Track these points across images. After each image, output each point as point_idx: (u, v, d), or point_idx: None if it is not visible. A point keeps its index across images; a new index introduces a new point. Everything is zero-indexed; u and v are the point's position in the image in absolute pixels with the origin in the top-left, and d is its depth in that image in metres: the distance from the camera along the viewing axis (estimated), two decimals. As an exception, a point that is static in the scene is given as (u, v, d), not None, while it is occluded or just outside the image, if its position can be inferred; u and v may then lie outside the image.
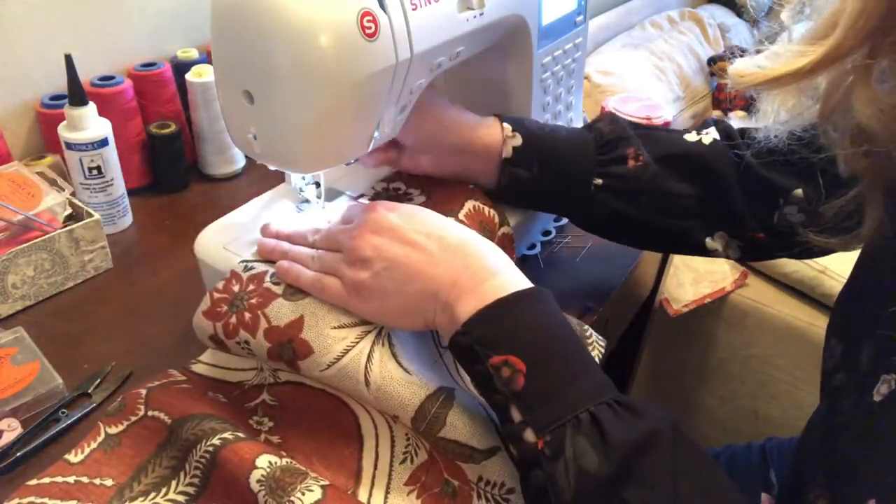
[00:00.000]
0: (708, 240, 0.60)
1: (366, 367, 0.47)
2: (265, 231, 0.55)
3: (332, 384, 0.50)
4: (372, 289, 0.47)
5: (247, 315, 0.50)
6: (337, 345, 0.48)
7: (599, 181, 0.59)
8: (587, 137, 0.60)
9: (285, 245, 0.53)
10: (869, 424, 0.39)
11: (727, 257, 0.62)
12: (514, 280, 0.45)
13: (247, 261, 0.53)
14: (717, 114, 1.51)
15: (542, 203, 0.64)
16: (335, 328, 0.48)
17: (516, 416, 0.40)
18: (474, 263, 0.45)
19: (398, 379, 0.47)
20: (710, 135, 0.60)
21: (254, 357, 0.54)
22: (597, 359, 0.57)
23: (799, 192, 0.56)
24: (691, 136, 0.60)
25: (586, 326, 0.59)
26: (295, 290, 0.50)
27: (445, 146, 0.59)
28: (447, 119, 0.59)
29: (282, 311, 0.49)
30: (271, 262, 0.53)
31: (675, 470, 0.38)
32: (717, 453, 0.72)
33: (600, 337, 0.58)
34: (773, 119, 0.46)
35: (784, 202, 0.57)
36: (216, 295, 0.52)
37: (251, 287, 0.51)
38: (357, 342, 0.48)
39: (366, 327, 0.49)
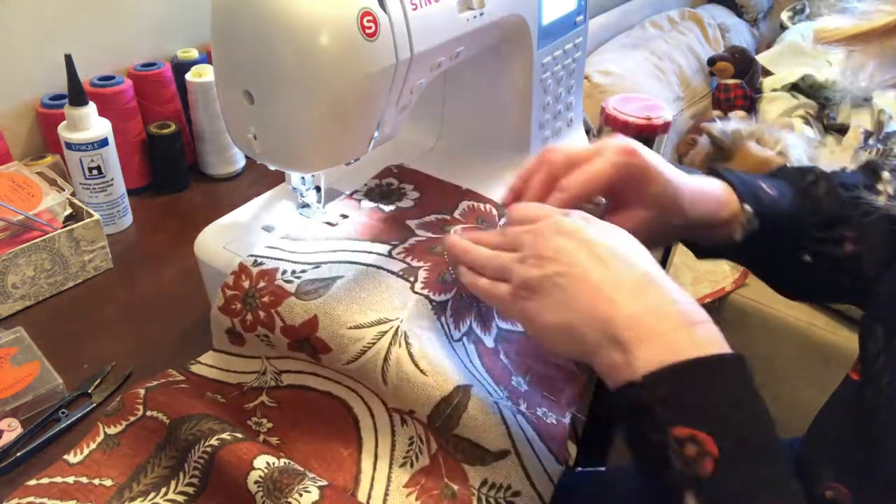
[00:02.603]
0: None
1: (383, 368, 0.48)
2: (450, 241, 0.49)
3: (354, 376, 0.50)
4: (536, 290, 0.40)
5: (261, 314, 0.50)
6: (353, 345, 0.48)
7: (808, 258, 0.54)
8: (807, 210, 0.54)
9: (468, 244, 0.47)
10: None
11: None
12: (711, 337, 0.37)
13: (256, 255, 0.53)
14: (717, 114, 1.51)
15: (742, 264, 0.60)
16: (351, 328, 0.48)
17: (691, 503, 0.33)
18: (665, 303, 0.38)
19: (414, 381, 0.47)
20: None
21: (259, 359, 0.54)
22: None
23: None
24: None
25: None
26: (308, 290, 0.50)
27: (674, 221, 0.50)
28: (681, 188, 0.50)
29: (294, 311, 0.49)
30: (280, 259, 0.53)
31: None
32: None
33: None
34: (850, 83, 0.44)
35: None
36: (228, 291, 0.52)
37: (262, 284, 0.51)
38: (374, 343, 0.48)
39: (382, 327, 0.49)
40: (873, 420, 0.43)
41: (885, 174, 0.54)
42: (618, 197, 0.50)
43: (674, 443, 0.34)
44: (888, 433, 0.41)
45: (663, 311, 0.38)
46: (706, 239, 0.55)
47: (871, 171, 0.55)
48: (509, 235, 0.45)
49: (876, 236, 0.52)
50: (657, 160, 0.49)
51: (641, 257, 0.41)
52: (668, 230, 0.52)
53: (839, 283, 0.56)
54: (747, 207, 0.52)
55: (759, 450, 0.35)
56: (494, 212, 0.60)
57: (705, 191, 0.53)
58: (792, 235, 0.54)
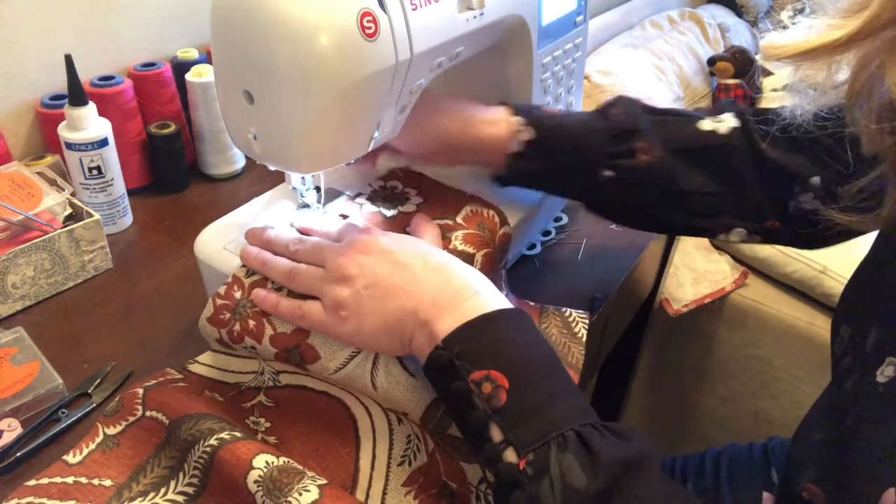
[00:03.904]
0: (724, 236, 0.60)
1: (371, 373, 0.48)
2: (249, 236, 0.55)
3: (342, 385, 0.50)
4: (350, 308, 0.46)
5: (251, 322, 0.50)
6: (342, 351, 0.48)
7: (609, 173, 0.57)
8: (598, 126, 0.58)
9: (266, 255, 0.52)
10: (877, 406, 0.39)
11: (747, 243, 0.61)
12: (495, 300, 0.44)
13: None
14: (717, 114, 1.50)
15: (551, 190, 0.64)
16: None
17: (496, 435, 0.39)
18: (456, 282, 0.45)
19: (404, 384, 0.47)
20: (727, 122, 0.58)
21: (257, 360, 0.54)
22: (583, 332, 0.58)
23: (816, 179, 0.54)
24: (706, 125, 0.58)
25: (564, 308, 0.60)
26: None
27: (457, 143, 0.59)
28: (459, 115, 0.59)
29: None
30: None
31: (666, 493, 0.37)
32: (719, 452, 0.72)
33: (581, 312, 0.59)
34: (801, 97, 0.45)
35: (800, 190, 0.56)
36: (218, 301, 0.52)
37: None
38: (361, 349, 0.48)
39: None
40: (842, 423, 0.43)
41: (727, 114, 0.58)
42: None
43: (474, 386, 0.40)
44: (853, 436, 0.41)
45: (455, 289, 0.44)
46: (499, 162, 0.60)
47: (717, 110, 0.60)
48: (313, 250, 0.50)
49: (671, 147, 0.57)
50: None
51: (432, 253, 0.48)
52: (455, 150, 0.60)
53: (651, 197, 0.58)
54: (515, 118, 0.58)
55: (540, 374, 0.41)
56: (497, 218, 0.60)
57: (480, 111, 0.59)
58: (584, 151, 0.58)
